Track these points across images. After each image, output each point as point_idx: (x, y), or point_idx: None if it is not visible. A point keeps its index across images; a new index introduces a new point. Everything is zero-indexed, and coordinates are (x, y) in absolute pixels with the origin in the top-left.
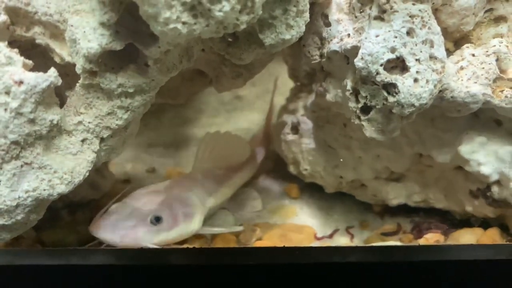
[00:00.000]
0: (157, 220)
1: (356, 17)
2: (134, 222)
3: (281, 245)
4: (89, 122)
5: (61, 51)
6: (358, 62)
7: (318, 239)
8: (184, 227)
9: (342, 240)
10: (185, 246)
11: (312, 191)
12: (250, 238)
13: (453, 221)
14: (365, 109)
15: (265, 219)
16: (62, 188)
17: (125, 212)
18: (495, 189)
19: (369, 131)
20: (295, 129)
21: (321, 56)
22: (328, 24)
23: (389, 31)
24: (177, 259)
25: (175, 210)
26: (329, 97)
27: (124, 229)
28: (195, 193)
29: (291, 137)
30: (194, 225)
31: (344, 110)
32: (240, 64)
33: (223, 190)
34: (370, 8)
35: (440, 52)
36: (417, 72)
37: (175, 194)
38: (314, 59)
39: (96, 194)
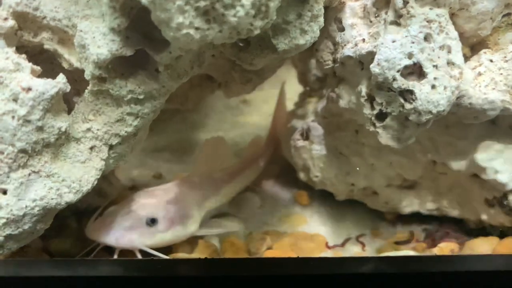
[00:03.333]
0: (152, 221)
1: (371, 21)
2: (130, 223)
3: (292, 254)
4: (97, 129)
5: (70, 57)
6: (374, 68)
7: (330, 247)
8: (180, 229)
9: (353, 249)
10: (194, 256)
11: (322, 198)
12: (261, 247)
13: (468, 230)
14: (381, 116)
15: (275, 227)
16: (70, 197)
17: (121, 214)
18: (511, 197)
19: (385, 138)
20: (305, 135)
21: (334, 61)
22: (341, 29)
23: (406, 36)
24: (186, 270)
25: (171, 212)
26: (342, 103)
27: (120, 230)
28: (192, 195)
29: (301, 143)
30: (190, 227)
31: (357, 117)
32: (251, 69)
33: (222, 192)
34: (386, 13)
35: (458, 58)
36: (434, 78)
37: (171, 196)
38: (326, 64)
39: (103, 201)
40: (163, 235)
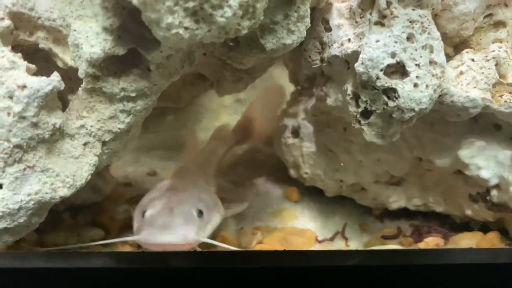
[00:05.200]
0: (201, 213)
1: (356, 22)
2: (184, 219)
3: (282, 248)
4: (91, 126)
5: (64, 56)
6: (358, 67)
7: (320, 242)
8: (217, 215)
9: (342, 244)
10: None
11: (312, 194)
12: (251, 241)
13: (453, 225)
14: (366, 114)
15: (266, 222)
16: (64, 192)
17: (164, 214)
18: (494, 193)
19: (370, 135)
20: (296, 132)
21: (322, 60)
22: (328, 29)
23: (389, 36)
24: (178, 262)
25: (206, 200)
26: (329, 101)
27: (181, 228)
28: (202, 182)
29: (291, 140)
30: (221, 211)
31: (344, 114)
32: (241, 68)
33: (213, 175)
34: (371, 14)
35: (439, 57)
36: (417, 77)
37: (194, 186)
38: (314, 64)
39: (97, 197)
40: (211, 225)
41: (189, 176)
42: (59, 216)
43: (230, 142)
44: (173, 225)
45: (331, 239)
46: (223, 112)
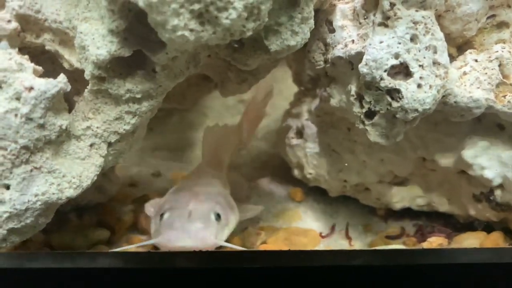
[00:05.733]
0: (218, 216)
1: (360, 23)
2: (203, 223)
3: (286, 248)
4: (97, 127)
5: (70, 58)
6: (362, 68)
7: (323, 237)
8: (234, 218)
9: (347, 243)
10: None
11: (316, 195)
12: (255, 241)
13: (457, 225)
14: (369, 114)
15: (270, 223)
16: (70, 192)
17: (182, 217)
18: (498, 193)
19: (373, 135)
20: (300, 133)
21: (326, 61)
22: (332, 30)
23: (393, 37)
24: (183, 262)
25: (223, 203)
26: (333, 102)
27: (200, 232)
28: (217, 183)
29: (295, 141)
30: (237, 214)
31: (348, 115)
32: (246, 69)
33: (224, 174)
34: (374, 15)
35: (443, 58)
36: (420, 77)
37: (211, 189)
38: (318, 65)
39: (102, 197)
40: (228, 228)
41: (205, 177)
42: (65, 216)
43: (237, 140)
44: (191, 229)
45: (331, 232)
46: (226, 112)
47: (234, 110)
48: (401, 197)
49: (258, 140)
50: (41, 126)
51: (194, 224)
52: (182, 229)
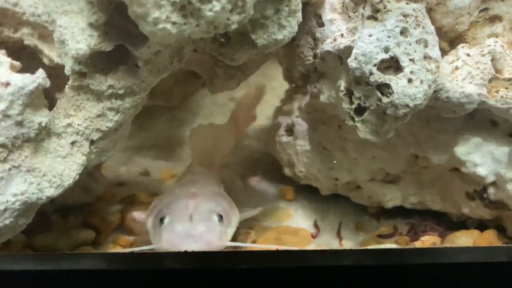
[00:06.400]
0: (221, 217)
1: (349, 17)
2: (204, 226)
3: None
4: (78, 125)
5: (50, 53)
6: (351, 62)
7: (314, 236)
8: (235, 218)
9: (336, 243)
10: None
11: (307, 193)
12: (246, 241)
13: (449, 223)
14: (359, 110)
15: (260, 222)
16: (51, 192)
17: (183, 219)
18: (491, 190)
19: (363, 132)
20: (290, 130)
21: (315, 56)
22: (321, 24)
23: (382, 30)
24: (170, 263)
25: (223, 204)
26: (323, 98)
27: (202, 236)
28: (214, 183)
29: (285, 138)
30: (237, 214)
31: (338, 111)
32: (233, 65)
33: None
34: (364, 8)
35: (434, 51)
36: (411, 72)
37: (209, 190)
38: (307, 60)
39: (88, 197)
40: (231, 229)
41: (199, 178)
42: (49, 217)
43: (231, 140)
44: (195, 232)
45: (317, 229)
46: (217, 110)
47: (225, 108)
48: (393, 195)
49: (249, 138)
50: (19, 123)
51: (198, 228)
52: (185, 233)
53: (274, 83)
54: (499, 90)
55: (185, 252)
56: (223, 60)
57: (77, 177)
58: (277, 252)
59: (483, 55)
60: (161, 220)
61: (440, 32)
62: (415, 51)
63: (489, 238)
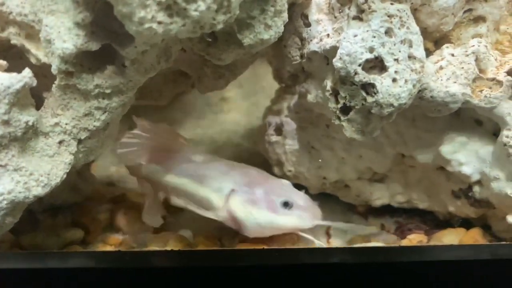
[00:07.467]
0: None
1: (335, 17)
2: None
3: (264, 246)
4: (66, 124)
5: (37, 52)
6: (336, 62)
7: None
8: None
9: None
10: (167, 248)
11: None
12: (233, 240)
13: (436, 221)
14: (345, 110)
15: None
16: (38, 191)
17: (308, 200)
18: (476, 189)
19: (349, 131)
20: (279, 130)
21: (302, 56)
22: (308, 25)
23: (367, 31)
24: (159, 261)
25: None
26: (310, 98)
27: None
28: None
29: (274, 138)
30: None
31: (325, 111)
32: (221, 64)
33: None
34: (349, 8)
35: (419, 51)
36: (395, 72)
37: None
38: (295, 60)
39: (78, 197)
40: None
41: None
42: (38, 217)
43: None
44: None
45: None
46: (208, 110)
47: (216, 107)
48: (381, 194)
49: (239, 138)
50: (6, 123)
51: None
52: (315, 211)
53: (265, 83)
54: (482, 90)
55: (174, 250)
56: (210, 59)
57: (65, 176)
58: (264, 250)
59: (467, 55)
60: (286, 203)
61: (425, 32)
62: (399, 51)
63: (474, 236)
